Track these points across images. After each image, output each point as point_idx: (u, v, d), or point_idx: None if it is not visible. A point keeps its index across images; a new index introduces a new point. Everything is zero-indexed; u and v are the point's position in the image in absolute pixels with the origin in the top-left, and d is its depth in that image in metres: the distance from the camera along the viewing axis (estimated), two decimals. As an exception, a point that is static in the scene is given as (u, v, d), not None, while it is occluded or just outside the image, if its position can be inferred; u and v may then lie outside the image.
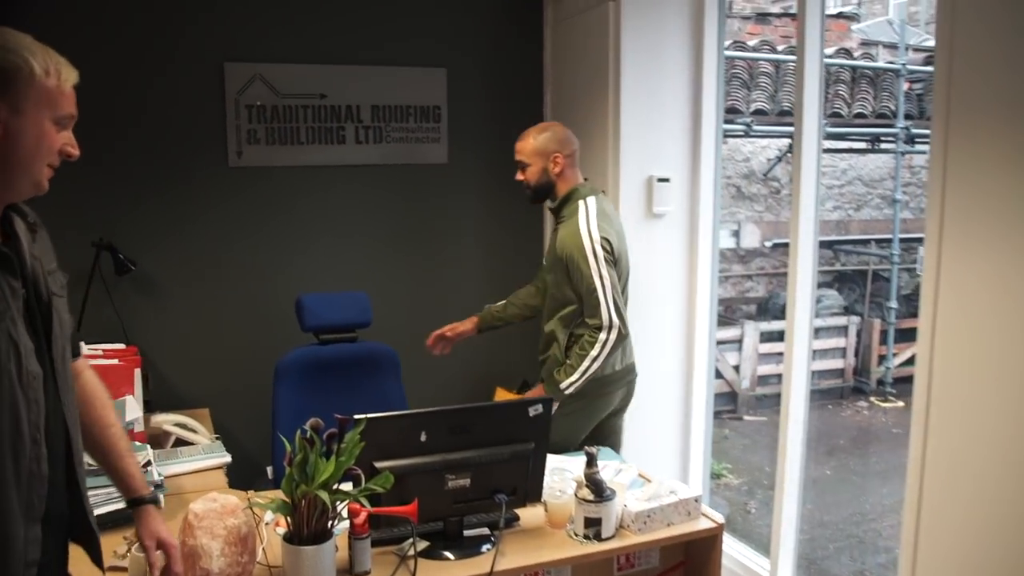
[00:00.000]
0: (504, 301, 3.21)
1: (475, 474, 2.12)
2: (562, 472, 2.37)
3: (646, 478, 2.55)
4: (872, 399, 8.69)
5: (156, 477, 2.31)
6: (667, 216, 3.37)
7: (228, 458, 2.71)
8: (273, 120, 3.48)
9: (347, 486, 1.94)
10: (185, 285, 3.48)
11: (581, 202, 2.81)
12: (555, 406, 2.46)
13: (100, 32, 3.25)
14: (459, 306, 3.72)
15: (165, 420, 2.88)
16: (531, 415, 2.19)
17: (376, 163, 3.67)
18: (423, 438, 2.08)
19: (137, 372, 2.78)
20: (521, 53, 3.87)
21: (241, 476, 3.46)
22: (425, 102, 3.70)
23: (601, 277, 2.70)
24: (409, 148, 3.69)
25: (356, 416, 1.98)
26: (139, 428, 2.77)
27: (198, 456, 2.70)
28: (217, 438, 2.99)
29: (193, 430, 2.90)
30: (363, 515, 1.98)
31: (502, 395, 3.67)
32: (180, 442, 2.86)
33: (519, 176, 2.88)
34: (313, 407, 2.89)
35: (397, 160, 3.69)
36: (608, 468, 2.55)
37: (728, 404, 8.30)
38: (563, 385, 2.77)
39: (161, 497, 2.25)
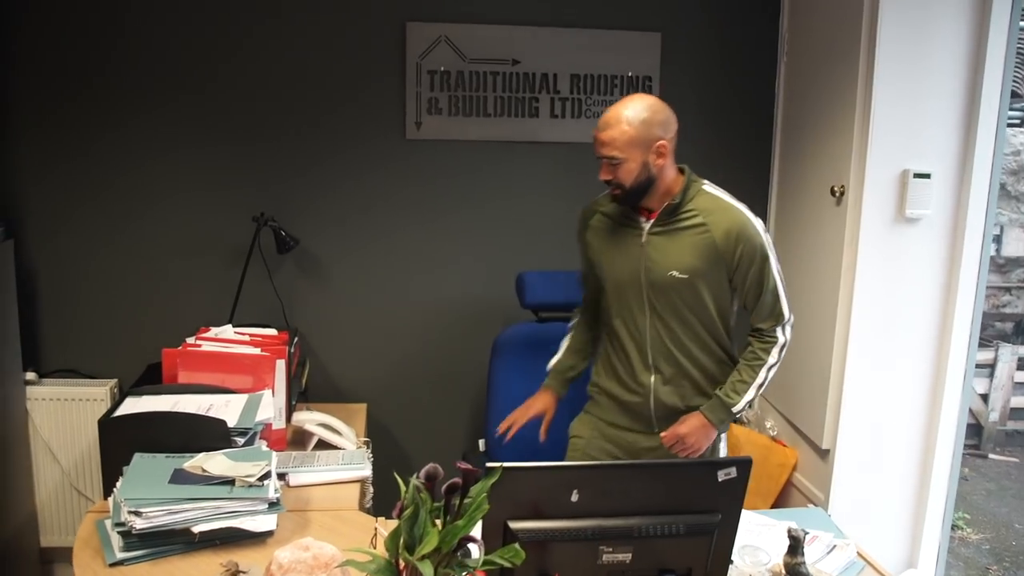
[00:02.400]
0: (562, 353, 2.54)
1: (638, 548, 1.64)
2: (755, 552, 1.83)
3: (868, 561, 1.97)
4: None
5: (272, 494, 1.99)
6: (923, 220, 2.66)
7: (367, 472, 2.40)
8: (457, 88, 3.10)
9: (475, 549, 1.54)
10: (351, 267, 3.20)
11: (707, 187, 2.26)
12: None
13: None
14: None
15: (308, 419, 2.60)
16: (720, 479, 1.68)
17: (573, 141, 3.19)
18: (574, 498, 1.63)
19: (280, 363, 2.51)
20: (752, 15, 3.25)
21: (391, 485, 3.19)
22: (634, 71, 3.18)
23: (779, 268, 2.23)
24: (612, 125, 3.20)
25: (489, 465, 1.56)
26: (278, 425, 2.51)
27: (334, 466, 2.39)
28: (366, 442, 2.69)
29: (337, 432, 2.60)
30: (488, 590, 1.57)
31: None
32: (324, 444, 2.57)
33: (605, 175, 2.18)
34: (527, 382, 2.71)
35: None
36: (818, 542, 2.02)
37: (971, 438, 7.15)
38: (737, 407, 2.24)
39: (274, 518, 1.96)
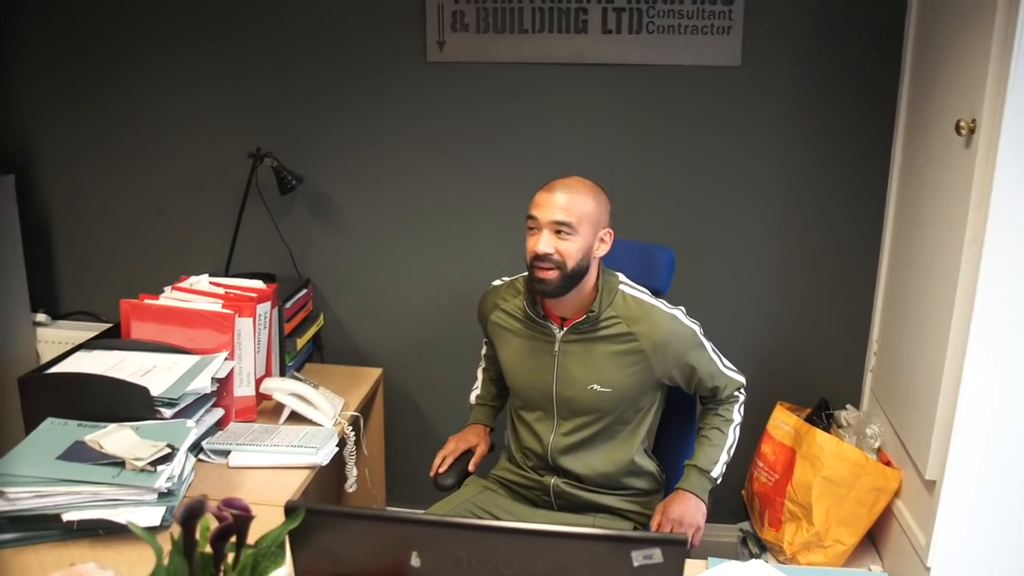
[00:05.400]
0: (483, 383, 2.33)
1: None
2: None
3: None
4: None
5: (163, 482, 1.67)
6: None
7: (316, 460, 2.03)
8: (487, -1, 2.58)
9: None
10: (366, 212, 2.78)
11: (624, 287, 2.00)
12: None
13: None
14: (743, 275, 2.63)
15: (278, 387, 2.26)
16: (636, 564, 1.15)
17: (632, 62, 2.58)
18: (415, 562, 1.18)
19: (245, 322, 2.19)
20: None
21: (401, 464, 2.84)
22: (713, -29, 2.52)
23: (711, 343, 2.03)
24: (682, 42, 2.55)
25: (288, 504, 1.15)
26: (246, 392, 2.21)
27: (283, 448, 2.04)
28: (355, 417, 2.35)
29: (312, 403, 2.24)
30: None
31: (782, 416, 2.54)
32: (300, 417, 2.24)
33: (544, 247, 1.88)
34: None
35: (663, 59, 2.56)
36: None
37: None
38: (715, 473, 2.01)
39: (161, 512, 1.65)
